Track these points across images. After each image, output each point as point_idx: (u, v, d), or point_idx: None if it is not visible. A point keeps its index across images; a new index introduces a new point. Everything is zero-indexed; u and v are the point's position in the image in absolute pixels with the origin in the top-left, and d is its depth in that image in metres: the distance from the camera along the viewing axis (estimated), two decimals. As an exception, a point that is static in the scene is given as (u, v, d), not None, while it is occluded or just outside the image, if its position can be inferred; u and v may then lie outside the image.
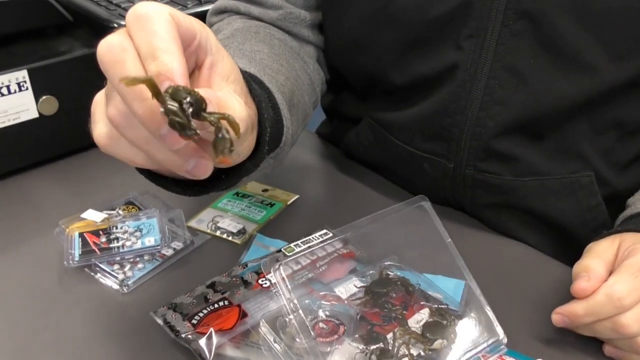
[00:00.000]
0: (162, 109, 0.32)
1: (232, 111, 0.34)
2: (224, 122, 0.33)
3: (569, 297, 0.49)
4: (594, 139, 0.60)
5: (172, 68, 0.33)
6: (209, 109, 0.34)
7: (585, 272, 0.48)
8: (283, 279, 0.48)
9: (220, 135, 0.33)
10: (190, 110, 0.32)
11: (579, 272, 0.48)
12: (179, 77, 0.33)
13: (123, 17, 0.74)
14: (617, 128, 0.60)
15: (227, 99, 0.35)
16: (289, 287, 0.47)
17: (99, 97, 0.38)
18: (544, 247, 0.62)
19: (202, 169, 0.36)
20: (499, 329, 0.49)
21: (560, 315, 0.48)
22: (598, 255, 0.49)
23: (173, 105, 0.32)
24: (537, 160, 0.60)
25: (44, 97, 0.70)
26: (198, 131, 0.33)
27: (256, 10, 0.66)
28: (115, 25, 0.73)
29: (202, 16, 0.77)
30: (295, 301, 0.46)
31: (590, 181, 0.61)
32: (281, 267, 0.48)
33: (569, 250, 0.59)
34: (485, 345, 0.48)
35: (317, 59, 0.68)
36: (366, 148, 0.70)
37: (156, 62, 0.33)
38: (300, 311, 0.46)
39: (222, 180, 0.44)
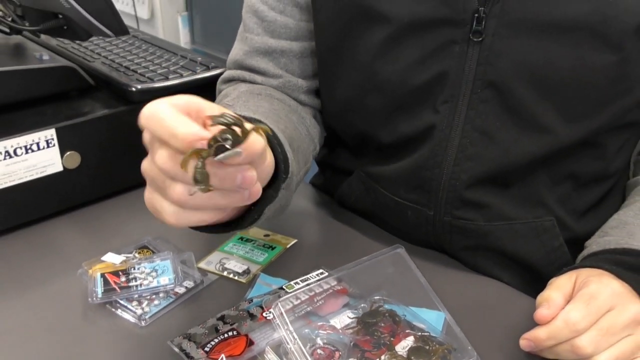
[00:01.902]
0: (216, 158, 0.40)
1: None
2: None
3: (535, 325, 0.57)
4: (553, 189, 0.69)
5: (192, 132, 0.41)
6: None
7: (546, 302, 0.55)
8: (281, 314, 0.55)
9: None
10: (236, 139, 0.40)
11: (541, 302, 0.56)
12: (202, 133, 0.41)
13: (139, 81, 0.83)
14: (573, 180, 0.69)
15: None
16: (287, 320, 0.55)
17: (150, 193, 0.47)
18: (515, 283, 0.70)
19: (256, 190, 0.45)
20: (473, 352, 0.56)
21: (526, 340, 0.56)
22: (557, 287, 0.57)
23: (233, 151, 0.40)
24: (505, 207, 0.69)
25: (68, 153, 0.78)
26: None
27: (259, 78, 0.75)
28: (134, 88, 0.82)
29: (210, 80, 0.87)
30: (293, 332, 0.54)
31: (552, 225, 0.69)
32: (279, 304, 0.56)
33: (537, 286, 0.67)
34: (460, 368, 0.55)
35: (314, 117, 0.77)
36: (357, 197, 0.78)
37: (177, 138, 0.41)
38: (298, 340, 0.54)
39: (253, 210, 0.52)
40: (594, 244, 0.65)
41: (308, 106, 0.78)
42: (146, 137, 0.44)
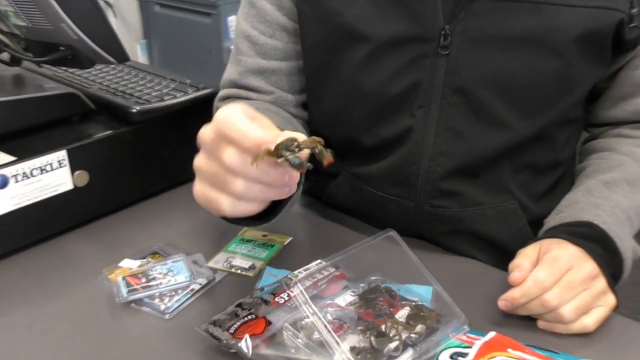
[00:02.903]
0: (288, 163, 0.50)
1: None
2: (316, 144, 0.52)
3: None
4: (515, 177, 0.80)
5: (261, 135, 0.50)
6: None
7: (517, 267, 0.66)
8: (301, 291, 0.64)
9: (317, 151, 0.52)
10: (297, 150, 0.50)
11: (513, 268, 0.67)
12: (268, 138, 0.50)
13: (138, 103, 0.91)
14: (531, 168, 0.80)
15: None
16: (306, 296, 0.64)
17: (203, 188, 0.55)
18: (488, 260, 0.81)
19: (294, 182, 0.54)
20: (461, 314, 0.66)
21: (504, 301, 0.66)
22: (525, 255, 0.68)
23: (294, 156, 0.50)
24: (475, 194, 0.80)
25: (77, 172, 0.85)
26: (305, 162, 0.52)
27: (254, 95, 0.85)
28: (134, 110, 0.89)
29: (202, 99, 0.96)
30: (312, 305, 0.63)
31: (516, 208, 0.81)
32: (298, 283, 0.65)
33: (506, 261, 0.76)
34: (452, 327, 0.65)
35: (303, 126, 0.87)
36: (344, 196, 0.88)
37: (248, 139, 0.50)
38: (317, 311, 0.62)
39: (281, 204, 0.62)
40: (552, 220, 0.77)
41: (298, 118, 0.87)
42: (209, 137, 0.53)
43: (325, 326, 0.61)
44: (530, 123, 0.76)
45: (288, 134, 0.52)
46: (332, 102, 0.82)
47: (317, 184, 0.94)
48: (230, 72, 0.87)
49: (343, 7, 0.75)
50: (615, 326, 0.69)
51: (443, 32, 0.73)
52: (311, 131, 0.89)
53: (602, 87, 0.83)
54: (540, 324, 0.67)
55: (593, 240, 0.70)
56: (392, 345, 0.62)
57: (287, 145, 0.50)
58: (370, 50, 0.75)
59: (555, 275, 0.64)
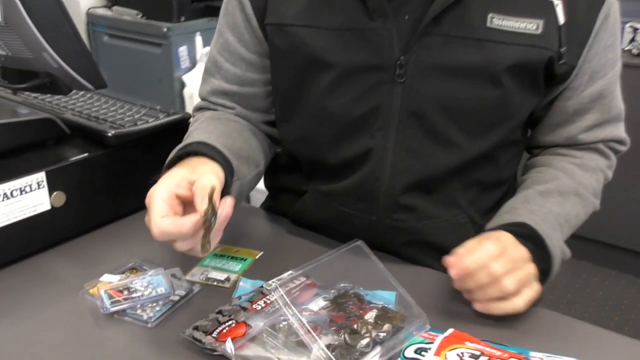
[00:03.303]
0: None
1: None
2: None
3: (461, 297, 0.75)
4: (464, 193, 0.89)
5: (192, 226, 0.70)
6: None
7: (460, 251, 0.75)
8: (281, 295, 0.70)
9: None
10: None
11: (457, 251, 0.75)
12: (195, 223, 0.70)
13: (113, 127, 0.95)
14: (478, 186, 0.90)
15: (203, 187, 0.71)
16: (287, 299, 0.70)
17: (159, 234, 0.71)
18: (443, 269, 0.88)
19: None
20: (422, 314, 0.73)
21: (455, 269, 0.73)
22: (464, 246, 0.76)
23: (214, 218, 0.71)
24: (430, 209, 0.88)
25: (55, 193, 0.89)
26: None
27: (220, 108, 0.96)
28: (109, 134, 0.94)
29: (172, 123, 1.01)
30: (292, 306, 0.69)
31: (466, 221, 0.89)
32: (279, 288, 0.71)
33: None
34: (415, 325, 0.72)
35: (267, 135, 0.99)
36: (312, 212, 0.94)
37: (185, 234, 0.70)
38: (297, 313, 0.69)
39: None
40: (492, 223, 0.86)
41: (266, 133, 0.98)
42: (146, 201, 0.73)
43: (304, 325, 0.67)
44: (477, 144, 0.86)
45: (203, 208, 0.70)
46: (301, 124, 0.90)
47: (285, 202, 1.00)
48: (202, 89, 0.99)
49: (310, 39, 0.84)
50: (548, 320, 0.79)
51: (399, 62, 0.82)
52: (282, 150, 0.97)
53: (540, 115, 0.93)
54: (477, 306, 0.76)
55: (526, 237, 0.79)
56: (364, 341, 0.68)
57: (209, 215, 0.70)
58: (334, 77, 0.83)
59: (499, 247, 0.74)
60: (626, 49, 2.33)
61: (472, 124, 0.85)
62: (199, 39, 2.66)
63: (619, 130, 0.94)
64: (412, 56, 0.81)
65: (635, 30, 2.44)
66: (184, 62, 2.67)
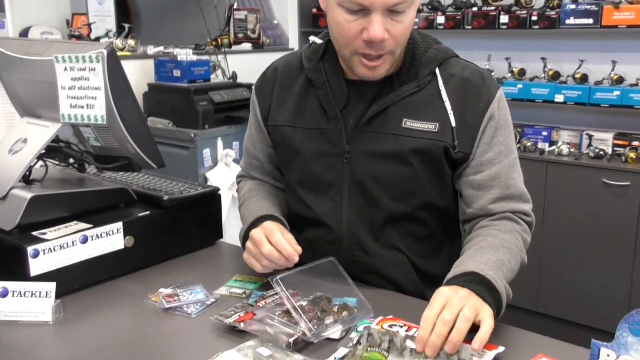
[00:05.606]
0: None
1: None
2: None
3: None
4: (402, 241, 1.28)
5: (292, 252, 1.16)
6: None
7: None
8: (281, 285, 1.10)
9: None
10: None
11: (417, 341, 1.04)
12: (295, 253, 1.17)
13: (166, 194, 1.39)
14: (412, 237, 1.29)
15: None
16: (284, 288, 1.09)
17: (246, 257, 1.22)
18: (392, 289, 1.27)
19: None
20: (370, 308, 1.12)
21: (429, 349, 0.96)
22: (427, 318, 1.00)
23: None
24: (377, 250, 1.27)
25: (127, 237, 1.31)
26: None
27: (253, 176, 1.44)
28: (165, 198, 1.37)
29: (206, 194, 1.45)
30: (286, 291, 1.08)
31: (405, 261, 1.28)
32: (279, 280, 1.11)
33: (401, 290, 1.25)
34: (365, 314, 1.11)
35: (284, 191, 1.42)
36: (302, 255, 1.34)
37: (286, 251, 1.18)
38: (291, 299, 1.08)
39: None
40: (448, 276, 1.12)
41: (280, 189, 1.43)
42: (257, 235, 1.21)
43: (293, 305, 1.07)
44: (399, 206, 1.25)
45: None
46: (290, 186, 1.35)
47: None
48: (242, 164, 1.49)
49: (291, 136, 1.30)
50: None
51: (346, 150, 1.25)
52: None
53: (460, 189, 1.29)
54: (474, 346, 0.96)
55: (477, 283, 1.04)
56: (331, 318, 1.07)
57: None
58: (306, 158, 1.28)
59: (442, 303, 1.00)
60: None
61: (395, 191, 1.25)
62: (220, 143, 3.13)
63: (525, 207, 1.24)
64: (355, 146, 1.25)
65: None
66: (207, 162, 3.13)
